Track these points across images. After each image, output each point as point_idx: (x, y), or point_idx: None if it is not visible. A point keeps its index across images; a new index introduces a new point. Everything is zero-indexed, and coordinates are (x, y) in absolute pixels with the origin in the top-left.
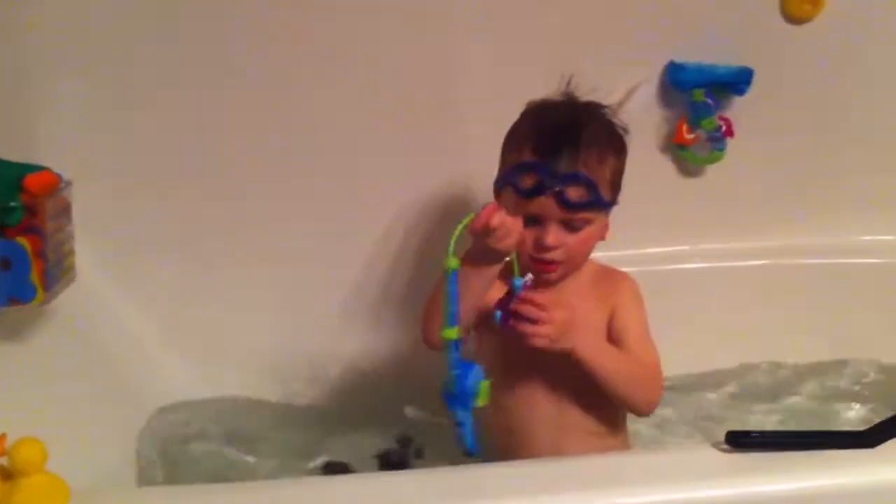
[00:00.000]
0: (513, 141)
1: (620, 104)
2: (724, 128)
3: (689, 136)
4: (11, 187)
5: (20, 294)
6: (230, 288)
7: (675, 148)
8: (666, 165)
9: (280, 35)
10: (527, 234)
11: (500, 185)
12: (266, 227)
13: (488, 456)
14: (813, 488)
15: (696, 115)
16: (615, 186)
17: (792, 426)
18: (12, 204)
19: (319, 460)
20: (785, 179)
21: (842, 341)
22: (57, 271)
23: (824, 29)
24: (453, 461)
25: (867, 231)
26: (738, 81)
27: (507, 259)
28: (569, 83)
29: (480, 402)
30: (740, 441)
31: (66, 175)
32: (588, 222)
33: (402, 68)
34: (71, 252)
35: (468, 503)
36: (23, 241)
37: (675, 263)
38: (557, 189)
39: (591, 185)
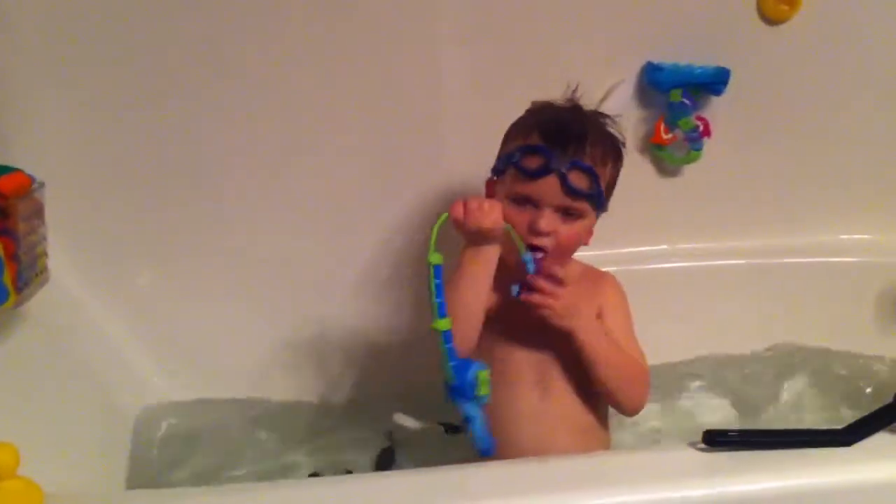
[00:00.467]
0: (517, 130)
1: (599, 105)
2: (701, 128)
3: (667, 137)
4: None
5: None
6: (207, 290)
7: (653, 148)
8: (644, 165)
9: (264, 37)
10: (520, 218)
11: (503, 166)
12: (245, 230)
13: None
14: (790, 487)
15: (673, 116)
16: (609, 191)
17: (770, 425)
18: None
19: (303, 462)
20: (762, 179)
21: (820, 339)
22: (29, 273)
23: (801, 30)
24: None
25: (844, 230)
26: (715, 82)
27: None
28: (574, 91)
29: (482, 391)
30: (717, 440)
31: (39, 176)
32: (581, 216)
33: (385, 71)
34: (44, 254)
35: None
36: None
37: (653, 263)
38: (563, 171)
39: (593, 175)
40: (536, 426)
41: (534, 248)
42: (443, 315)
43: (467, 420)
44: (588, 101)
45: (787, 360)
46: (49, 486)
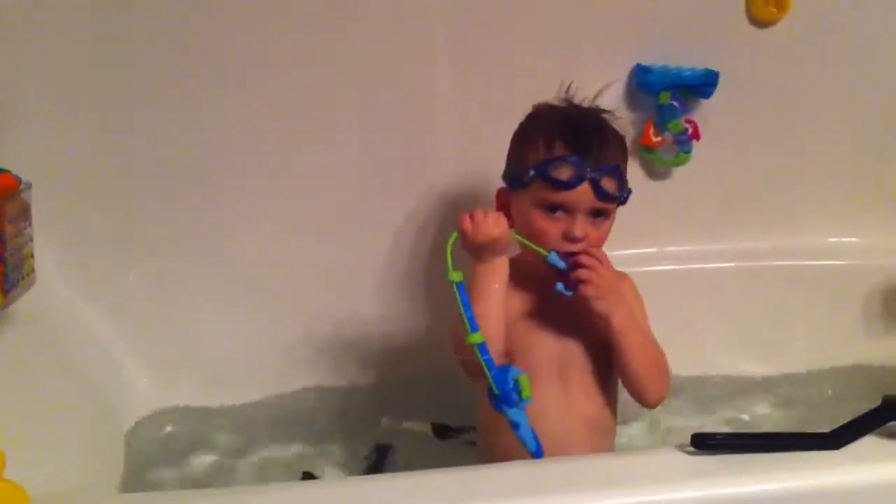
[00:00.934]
0: (533, 139)
1: (593, 102)
2: (690, 130)
3: (656, 139)
4: None
5: None
6: (196, 292)
7: (642, 150)
8: (633, 168)
9: (260, 37)
10: (553, 226)
11: (529, 179)
12: (237, 231)
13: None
14: (777, 490)
15: (662, 118)
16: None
17: (756, 428)
18: None
19: (297, 464)
20: (751, 182)
21: (807, 342)
22: (16, 275)
23: (789, 32)
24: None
25: (832, 233)
26: (703, 84)
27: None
28: (568, 89)
29: (525, 394)
30: (705, 443)
31: (25, 177)
32: (608, 215)
33: (382, 71)
34: (31, 255)
35: None
36: None
37: (642, 266)
38: (595, 177)
39: (620, 177)
40: (559, 423)
41: (570, 255)
42: (475, 329)
43: (514, 426)
44: (581, 101)
45: (775, 363)
46: (36, 488)
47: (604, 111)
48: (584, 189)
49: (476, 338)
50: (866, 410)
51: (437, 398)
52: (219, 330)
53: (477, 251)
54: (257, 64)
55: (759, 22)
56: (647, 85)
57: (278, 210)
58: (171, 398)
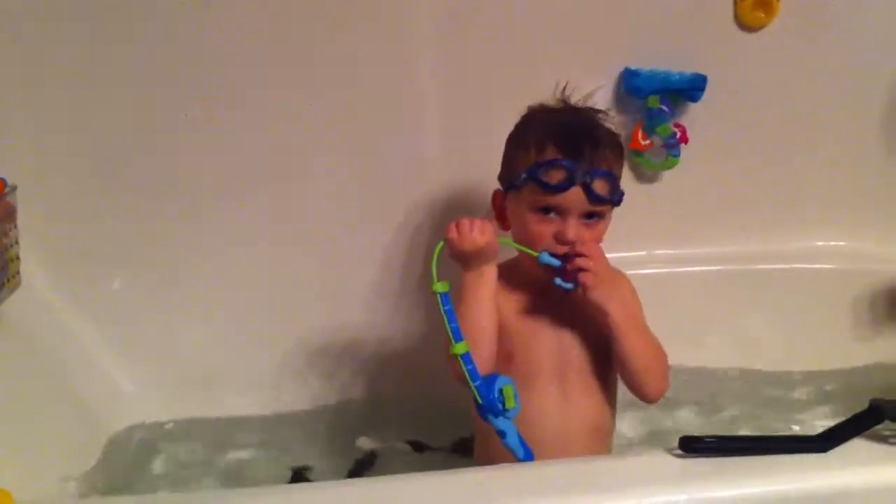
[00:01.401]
0: (525, 143)
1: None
2: (678, 134)
3: (645, 143)
4: None
5: None
6: (182, 298)
7: (631, 154)
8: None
9: (245, 49)
10: (546, 228)
11: (521, 182)
12: (223, 239)
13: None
14: (766, 493)
15: (651, 122)
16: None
17: (744, 431)
18: None
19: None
20: (739, 186)
21: (794, 345)
22: (1, 277)
23: (777, 36)
24: None
25: (820, 237)
26: (692, 88)
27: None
28: (564, 89)
29: (509, 404)
30: (693, 446)
31: (11, 179)
32: (602, 217)
33: (369, 78)
34: (16, 258)
35: None
36: None
37: (630, 269)
38: (587, 181)
39: (613, 179)
40: (558, 423)
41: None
42: (459, 339)
43: (501, 435)
44: (576, 102)
45: (763, 366)
46: (20, 491)
47: (598, 111)
48: (576, 192)
49: (459, 348)
50: (854, 413)
51: (422, 414)
52: (204, 338)
53: (464, 260)
54: (243, 74)
55: (746, 26)
56: (635, 89)
57: (265, 219)
58: (156, 406)
